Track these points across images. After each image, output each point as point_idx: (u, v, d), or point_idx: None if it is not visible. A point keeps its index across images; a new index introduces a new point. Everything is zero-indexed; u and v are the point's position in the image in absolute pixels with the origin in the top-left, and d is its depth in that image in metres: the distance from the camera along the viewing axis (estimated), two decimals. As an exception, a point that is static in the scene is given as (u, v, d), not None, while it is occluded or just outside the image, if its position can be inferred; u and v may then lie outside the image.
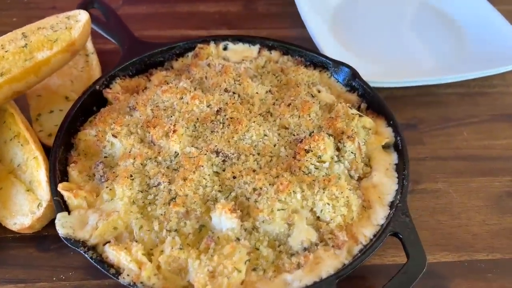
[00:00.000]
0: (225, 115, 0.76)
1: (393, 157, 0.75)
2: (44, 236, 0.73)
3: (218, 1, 1.24)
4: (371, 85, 0.84)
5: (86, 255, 0.60)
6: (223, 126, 0.75)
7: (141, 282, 0.57)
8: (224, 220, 0.63)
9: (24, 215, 0.71)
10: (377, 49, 1.08)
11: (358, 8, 1.21)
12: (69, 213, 0.65)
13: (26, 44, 0.78)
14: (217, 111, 0.77)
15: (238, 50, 0.93)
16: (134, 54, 0.89)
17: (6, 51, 0.77)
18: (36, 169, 0.74)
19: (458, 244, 0.76)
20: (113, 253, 0.60)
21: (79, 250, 0.60)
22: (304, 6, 1.11)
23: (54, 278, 0.69)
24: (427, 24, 1.18)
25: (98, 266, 0.59)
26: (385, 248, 0.72)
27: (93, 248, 0.62)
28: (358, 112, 0.79)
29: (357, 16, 1.19)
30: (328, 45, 1.01)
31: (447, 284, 0.71)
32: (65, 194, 0.66)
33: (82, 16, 0.84)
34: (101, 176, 0.70)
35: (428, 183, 0.84)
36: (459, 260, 0.74)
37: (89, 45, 0.98)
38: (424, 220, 0.78)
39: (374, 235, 0.65)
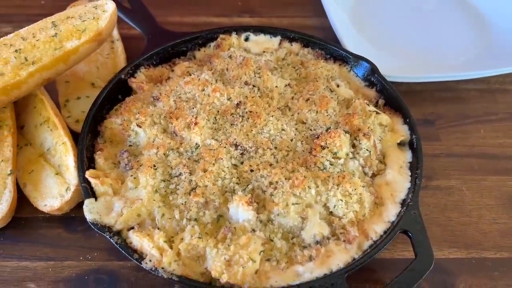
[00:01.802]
0: (244, 109, 0.79)
1: (408, 155, 0.77)
2: (72, 217, 0.78)
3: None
4: (390, 79, 0.85)
5: (111, 240, 0.64)
6: (242, 119, 0.77)
7: (162, 268, 0.61)
8: (241, 211, 0.67)
9: (54, 197, 0.76)
10: (397, 41, 1.07)
11: (378, 1, 1.19)
12: (96, 199, 0.69)
13: (56, 33, 0.81)
14: (237, 104, 0.79)
15: (260, 41, 0.94)
16: (158, 44, 0.91)
17: (37, 40, 0.81)
18: (65, 154, 0.78)
19: (467, 241, 0.78)
20: (136, 239, 0.64)
21: (105, 235, 0.64)
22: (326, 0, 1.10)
23: (81, 258, 0.74)
24: (451, 16, 1.16)
25: (123, 251, 0.63)
26: (395, 243, 0.75)
27: (118, 233, 0.66)
28: (376, 109, 0.81)
29: (378, 6, 1.18)
30: (348, 35, 1.01)
31: (454, 280, 0.73)
32: (92, 181, 0.70)
33: (109, 6, 0.86)
34: (126, 164, 0.73)
35: (441, 180, 0.86)
36: (467, 257, 0.76)
37: (115, 32, 1.01)
38: (435, 216, 0.80)
39: (385, 232, 0.67)
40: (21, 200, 0.78)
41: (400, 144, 0.79)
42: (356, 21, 1.12)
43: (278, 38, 0.94)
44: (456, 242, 0.77)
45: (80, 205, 0.77)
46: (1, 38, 0.83)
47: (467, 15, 1.16)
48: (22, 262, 0.73)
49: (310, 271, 0.63)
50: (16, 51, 0.79)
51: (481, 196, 0.84)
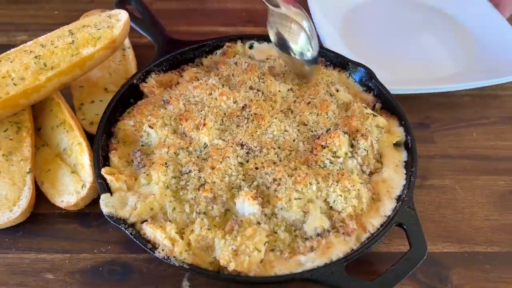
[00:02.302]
0: (249, 111, 0.84)
1: (403, 155, 0.82)
2: (87, 213, 0.83)
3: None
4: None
5: (126, 232, 0.69)
6: (247, 121, 0.83)
7: (174, 257, 0.66)
8: (247, 205, 0.71)
9: (70, 194, 0.80)
10: (386, 56, 1.11)
11: (367, 16, 1.24)
12: (111, 194, 0.73)
13: (73, 41, 0.87)
14: (243, 107, 0.84)
15: (263, 49, 1.00)
16: (168, 51, 0.96)
17: (55, 47, 0.86)
18: (80, 153, 0.83)
19: (460, 236, 0.82)
20: (150, 231, 0.68)
21: (120, 226, 0.69)
22: (316, 14, 1.16)
23: (95, 251, 0.78)
24: (438, 32, 1.21)
25: (137, 241, 0.68)
26: (392, 237, 0.79)
27: (132, 225, 0.70)
28: (373, 112, 0.86)
29: (367, 22, 1.23)
30: (338, 50, 1.04)
31: (447, 272, 0.77)
32: (108, 177, 0.74)
33: (122, 16, 0.92)
34: (138, 162, 0.78)
35: (435, 179, 0.90)
36: (460, 251, 0.80)
37: (126, 41, 1.07)
38: (430, 213, 0.85)
39: (381, 225, 0.72)
40: (39, 197, 0.83)
41: (396, 145, 0.84)
42: (345, 36, 1.16)
43: (281, 46, 1.00)
44: (450, 237, 0.82)
45: (94, 202, 0.82)
46: (21, 45, 0.88)
47: (453, 31, 1.21)
48: (40, 254, 0.78)
49: (312, 261, 0.67)
50: (36, 57, 0.85)
51: (473, 194, 0.88)
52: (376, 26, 1.23)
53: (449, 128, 1.00)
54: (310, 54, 0.85)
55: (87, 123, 0.90)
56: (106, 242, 0.79)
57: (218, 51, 0.99)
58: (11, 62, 0.84)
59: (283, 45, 0.85)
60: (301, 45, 0.85)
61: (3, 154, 0.83)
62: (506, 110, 1.04)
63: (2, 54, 0.87)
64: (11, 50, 0.87)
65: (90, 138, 0.85)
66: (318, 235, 0.71)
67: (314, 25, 0.88)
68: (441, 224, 0.84)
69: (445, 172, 0.92)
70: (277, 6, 0.83)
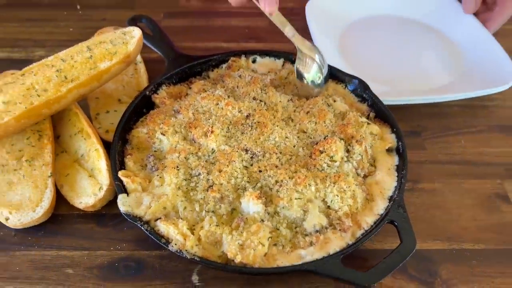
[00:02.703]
0: (253, 120, 0.91)
1: (395, 159, 0.89)
2: (103, 214, 0.89)
3: (248, 16, 1.39)
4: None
5: (142, 228, 0.75)
6: (251, 128, 0.90)
7: (186, 250, 0.73)
8: (252, 205, 0.78)
9: (88, 196, 0.87)
10: (380, 69, 1.18)
11: (362, 33, 1.32)
12: (127, 195, 0.80)
13: (91, 55, 0.95)
14: (247, 116, 0.92)
15: (265, 63, 1.07)
16: (177, 65, 1.04)
17: (75, 61, 0.94)
18: (97, 159, 0.90)
19: (448, 235, 0.88)
20: (163, 227, 0.75)
21: (136, 223, 0.76)
22: (314, 31, 1.24)
23: (111, 248, 0.85)
24: (429, 48, 1.29)
25: (152, 237, 0.74)
26: (385, 236, 0.85)
27: (147, 223, 0.77)
28: (367, 120, 0.93)
29: (361, 40, 1.31)
30: (335, 64, 1.08)
31: (436, 267, 0.83)
32: (124, 179, 0.81)
33: (136, 33, 1.00)
34: (152, 166, 0.85)
35: (426, 183, 0.97)
36: (449, 248, 0.86)
37: (138, 56, 1.14)
38: (420, 214, 0.91)
39: (375, 223, 0.79)
40: (59, 200, 0.89)
41: (389, 150, 0.91)
42: (342, 51, 1.24)
43: (282, 60, 1.08)
44: (439, 235, 0.88)
45: (110, 203, 0.89)
46: (43, 60, 0.96)
47: (443, 46, 1.29)
48: (60, 251, 0.84)
49: (311, 254, 0.74)
50: (57, 70, 0.92)
51: (462, 197, 0.95)
52: (371, 42, 1.30)
53: (439, 136, 1.07)
54: (320, 80, 0.99)
55: (103, 131, 0.98)
56: (121, 241, 0.86)
57: (224, 65, 1.07)
58: (34, 75, 0.92)
59: (298, 74, 0.99)
60: (312, 74, 0.98)
61: (26, 160, 0.90)
62: (493, 120, 1.11)
63: (26, 68, 0.95)
64: (34, 64, 0.95)
65: (106, 145, 0.92)
66: (317, 231, 0.78)
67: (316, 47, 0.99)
68: (431, 224, 0.90)
69: (435, 176, 0.98)
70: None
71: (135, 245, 0.85)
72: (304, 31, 1.32)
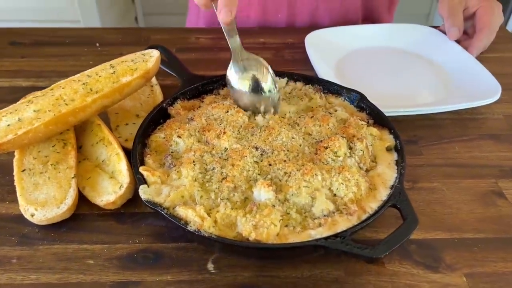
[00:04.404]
0: (262, 124, 0.99)
1: (394, 156, 0.96)
2: (122, 213, 0.94)
3: (252, 50, 1.52)
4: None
5: (162, 212, 0.81)
6: (260, 130, 0.98)
7: (204, 230, 0.78)
8: (263, 193, 0.84)
9: (109, 194, 0.93)
10: (374, 88, 1.25)
11: (357, 60, 1.45)
12: (147, 186, 0.87)
13: (114, 71, 1.05)
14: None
15: (270, 83, 1.18)
16: (191, 83, 1.14)
17: (99, 76, 1.04)
18: (118, 162, 0.97)
19: (449, 226, 0.93)
20: (182, 211, 0.80)
21: (156, 208, 0.81)
22: (312, 57, 1.37)
23: (130, 241, 0.89)
24: (418, 71, 1.41)
25: (171, 219, 0.79)
26: (389, 224, 0.90)
27: (166, 209, 0.83)
28: (366, 123, 1.02)
29: (356, 66, 1.43)
30: None
31: (440, 253, 0.87)
32: (145, 173, 0.88)
33: (155, 53, 1.11)
34: (169, 163, 0.92)
35: (425, 182, 1.03)
36: (450, 238, 0.91)
37: (153, 79, 1.25)
38: (422, 209, 0.97)
39: (378, 207, 0.84)
40: (80, 202, 0.95)
41: (388, 150, 0.98)
42: (339, 75, 1.36)
43: (285, 79, 1.18)
44: (440, 227, 0.93)
45: (129, 203, 0.95)
46: (70, 77, 1.06)
47: (431, 70, 1.41)
48: (82, 245, 0.89)
49: (320, 234, 0.79)
50: (83, 84, 1.02)
51: (459, 194, 1.01)
52: (365, 68, 1.42)
53: (434, 143, 1.15)
54: (275, 92, 1.03)
55: (122, 140, 1.05)
56: (139, 235, 0.91)
57: (233, 84, 1.17)
58: (62, 88, 1.01)
59: (255, 88, 1.02)
60: (269, 84, 1.03)
61: (51, 164, 0.97)
62: (483, 130, 1.19)
63: (54, 84, 1.04)
64: (62, 81, 1.05)
65: (126, 152, 0.99)
66: (324, 216, 0.83)
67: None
68: (432, 217, 0.95)
69: (433, 177, 1.05)
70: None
71: (153, 238, 0.90)
72: (304, 62, 1.46)
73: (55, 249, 0.88)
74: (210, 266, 0.85)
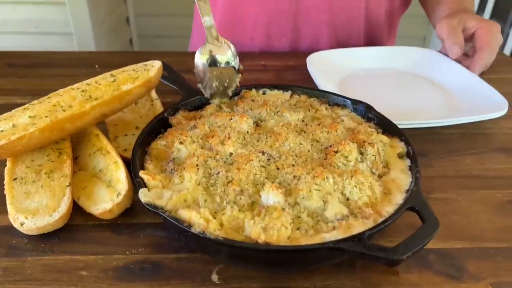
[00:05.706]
0: (267, 131, 0.96)
1: (407, 162, 0.91)
2: (119, 224, 0.88)
3: (253, 72, 1.52)
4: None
5: (164, 215, 0.75)
6: (266, 137, 0.94)
7: (209, 232, 0.71)
8: (271, 196, 0.79)
9: (106, 202, 0.87)
10: (380, 109, 1.24)
11: (360, 81, 1.44)
12: (148, 191, 0.81)
13: (115, 79, 1.02)
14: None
15: (274, 94, 1.15)
16: (192, 95, 1.11)
17: (99, 84, 1.01)
18: (116, 170, 0.92)
19: (469, 236, 0.88)
20: (185, 213, 0.74)
21: (158, 211, 0.75)
22: (317, 78, 1.36)
23: (127, 252, 0.82)
24: (421, 88, 1.40)
25: (174, 222, 0.73)
26: (405, 230, 0.83)
27: (168, 212, 0.77)
28: (376, 130, 0.98)
29: (361, 82, 1.43)
30: None
31: (463, 263, 0.81)
32: (145, 177, 0.82)
33: (156, 63, 1.09)
34: (171, 169, 0.87)
35: (439, 193, 0.98)
36: (472, 247, 0.85)
37: (153, 94, 1.22)
38: (439, 218, 0.91)
39: (395, 210, 0.79)
40: (74, 212, 0.89)
41: (400, 157, 0.94)
42: (342, 93, 1.33)
43: (289, 92, 1.16)
44: (460, 236, 0.87)
45: (126, 213, 0.89)
46: (68, 86, 1.03)
47: (435, 89, 1.40)
48: (74, 256, 0.81)
49: (335, 237, 0.73)
50: (82, 91, 0.98)
51: (475, 204, 0.96)
52: (368, 88, 1.41)
53: (444, 156, 1.11)
54: (234, 63, 1.09)
55: (121, 150, 1.01)
56: (137, 246, 0.84)
57: (236, 97, 1.14)
58: (60, 96, 0.98)
59: (212, 62, 1.09)
60: (228, 56, 1.08)
61: (45, 172, 0.92)
62: (492, 143, 1.16)
63: (52, 93, 1.01)
64: (60, 90, 1.02)
65: (124, 162, 0.94)
66: (338, 220, 0.77)
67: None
68: (450, 227, 0.90)
69: (447, 188, 1.00)
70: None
71: (152, 249, 0.83)
72: (305, 82, 1.44)
73: (45, 260, 0.81)
74: (215, 277, 0.78)
